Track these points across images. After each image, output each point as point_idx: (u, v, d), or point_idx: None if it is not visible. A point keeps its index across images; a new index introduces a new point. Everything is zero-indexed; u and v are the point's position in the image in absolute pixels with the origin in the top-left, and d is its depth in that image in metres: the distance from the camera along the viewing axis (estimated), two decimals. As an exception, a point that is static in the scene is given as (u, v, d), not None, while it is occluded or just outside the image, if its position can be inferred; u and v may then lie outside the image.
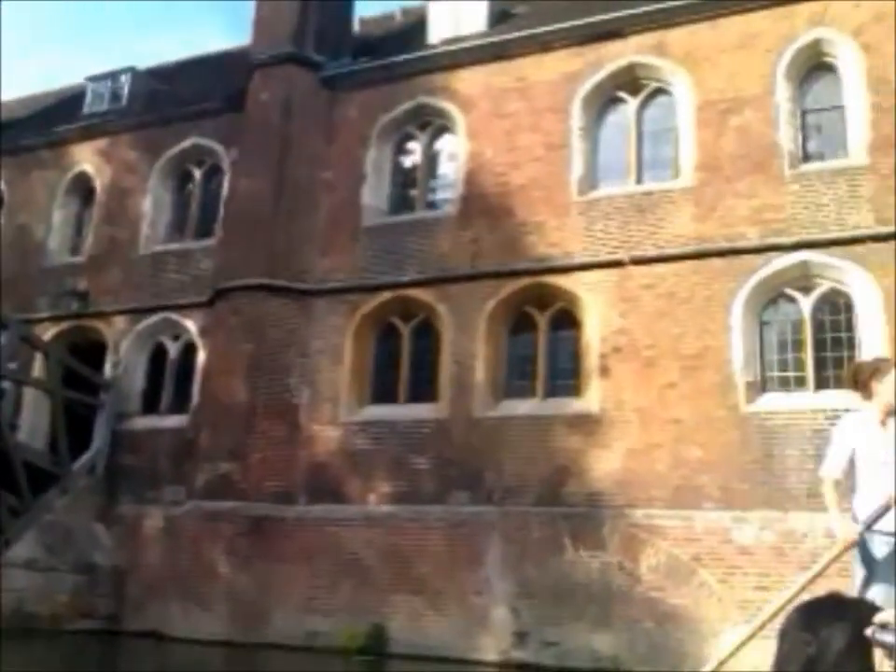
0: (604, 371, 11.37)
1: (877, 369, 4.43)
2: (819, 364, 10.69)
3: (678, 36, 12.37)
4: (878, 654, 1.54)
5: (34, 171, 16.94)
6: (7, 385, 13.47)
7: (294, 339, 13.05)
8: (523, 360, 12.30)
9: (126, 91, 17.82)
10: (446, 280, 12.60)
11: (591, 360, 11.57)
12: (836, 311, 10.89)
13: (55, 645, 11.53)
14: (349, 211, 13.63)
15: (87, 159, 16.63)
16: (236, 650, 11.21)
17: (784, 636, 1.63)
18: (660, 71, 12.51)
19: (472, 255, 12.61)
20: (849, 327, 10.70)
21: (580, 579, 10.57)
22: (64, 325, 15.43)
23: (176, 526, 12.71)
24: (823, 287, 10.94)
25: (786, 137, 11.43)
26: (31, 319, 15.01)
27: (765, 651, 2.27)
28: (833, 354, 10.68)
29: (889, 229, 10.39)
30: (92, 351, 14.76)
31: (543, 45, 13.13)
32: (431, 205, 13.87)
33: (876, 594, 4.03)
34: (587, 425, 11.26)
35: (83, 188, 16.67)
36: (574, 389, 11.73)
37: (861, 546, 4.18)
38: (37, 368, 14.68)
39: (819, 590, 2.27)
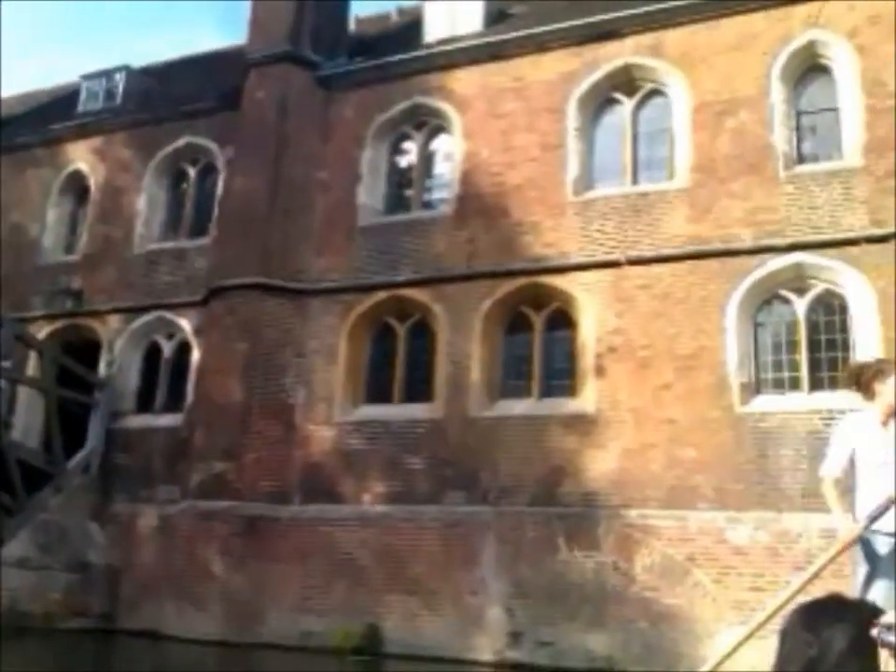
0: (599, 372, 11.38)
1: (880, 370, 4.47)
2: (814, 365, 10.72)
3: (674, 38, 12.40)
4: (884, 655, 1.55)
5: (28, 169, 16.90)
6: (1, 383, 13.44)
7: (289, 338, 13.04)
8: (518, 360, 12.31)
9: (121, 89, 17.79)
10: (442, 280, 12.61)
11: (586, 360, 11.58)
12: (831, 312, 10.93)
13: (48, 644, 11.49)
14: (345, 211, 13.62)
15: (81, 157, 16.59)
16: (230, 649, 11.18)
17: (785, 636, 1.64)
18: (656, 72, 12.53)
19: (468, 255, 12.62)
20: (844, 328, 10.74)
21: (574, 579, 10.58)
22: (59, 323, 15.39)
23: (171, 526, 12.68)
24: (818, 288, 10.97)
25: (781, 139, 11.46)
26: (25, 318, 14.96)
27: (763, 650, 2.29)
28: (827, 355, 10.72)
29: (883, 230, 10.43)
30: (87, 350, 14.72)
31: (540, 45, 13.14)
32: (427, 205, 13.87)
33: (877, 594, 4.05)
34: (582, 425, 11.28)
35: (78, 186, 16.63)
36: (569, 389, 11.74)
37: (862, 546, 4.20)
38: (32, 366, 14.69)
39: (815, 590, 2.29)
